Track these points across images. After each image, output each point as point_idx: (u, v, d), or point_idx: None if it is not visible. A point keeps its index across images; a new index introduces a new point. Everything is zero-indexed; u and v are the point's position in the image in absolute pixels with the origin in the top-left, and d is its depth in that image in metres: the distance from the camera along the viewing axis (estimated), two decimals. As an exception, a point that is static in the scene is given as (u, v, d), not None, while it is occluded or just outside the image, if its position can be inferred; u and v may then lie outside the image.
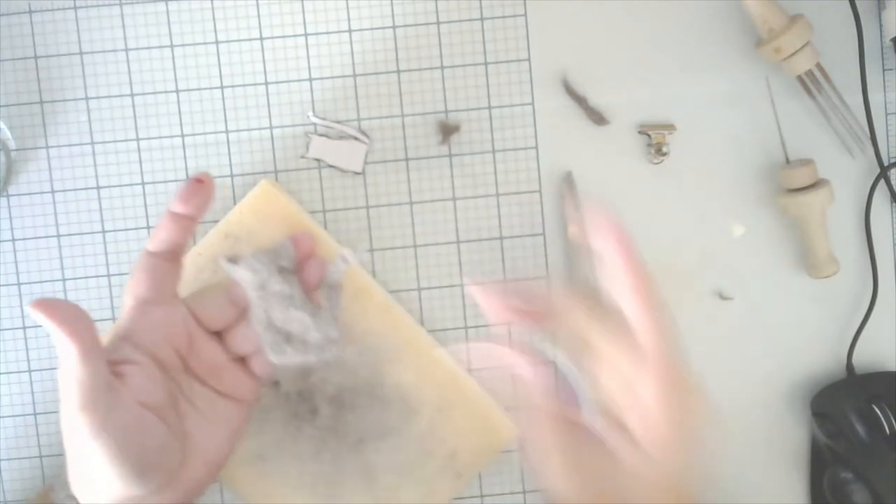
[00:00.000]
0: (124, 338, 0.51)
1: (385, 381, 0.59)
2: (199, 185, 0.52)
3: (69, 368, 0.46)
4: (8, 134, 0.60)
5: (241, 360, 0.55)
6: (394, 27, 0.60)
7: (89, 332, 0.46)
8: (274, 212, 0.58)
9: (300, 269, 0.55)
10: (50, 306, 0.46)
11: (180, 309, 0.53)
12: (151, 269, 0.52)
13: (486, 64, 0.60)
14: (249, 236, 0.58)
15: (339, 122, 0.60)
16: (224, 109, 0.60)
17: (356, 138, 0.60)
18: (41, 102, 0.60)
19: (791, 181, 0.59)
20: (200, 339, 0.53)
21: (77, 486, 0.51)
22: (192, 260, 0.58)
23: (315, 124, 0.60)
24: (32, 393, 0.60)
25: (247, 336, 0.54)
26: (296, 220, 0.58)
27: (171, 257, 0.53)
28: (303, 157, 0.60)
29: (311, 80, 0.60)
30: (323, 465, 0.59)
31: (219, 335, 0.54)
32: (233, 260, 0.54)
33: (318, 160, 0.60)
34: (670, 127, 0.60)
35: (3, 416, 0.60)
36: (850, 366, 0.61)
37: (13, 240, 0.60)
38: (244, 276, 0.53)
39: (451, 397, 0.59)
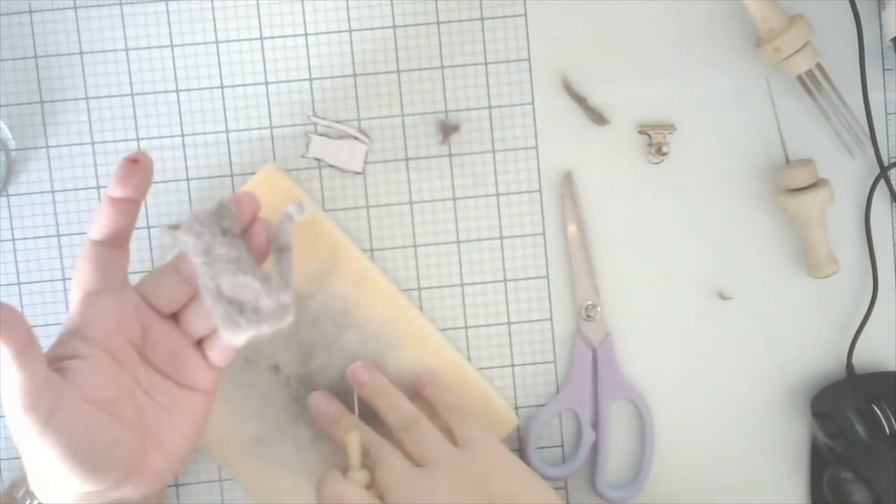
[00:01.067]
0: (73, 331, 0.50)
1: (386, 367, 0.59)
2: (135, 166, 0.49)
3: (7, 371, 0.45)
4: (8, 134, 0.60)
5: (199, 347, 0.53)
6: (394, 27, 0.60)
7: (22, 333, 0.45)
8: (277, 196, 0.57)
9: (245, 233, 0.53)
10: None
11: (131, 296, 0.51)
12: (96, 258, 0.50)
13: (486, 64, 0.60)
14: None
15: (339, 121, 0.60)
16: (224, 109, 0.60)
17: (356, 138, 0.60)
18: (41, 102, 0.60)
19: (791, 181, 0.59)
20: (155, 326, 0.52)
21: (35, 484, 0.50)
22: None
23: (315, 124, 0.60)
24: (32, 393, 0.60)
25: (201, 314, 0.52)
26: None
27: (116, 244, 0.51)
28: (303, 156, 0.60)
29: (311, 79, 0.60)
30: (322, 450, 0.59)
31: (174, 319, 0.53)
32: (174, 227, 0.51)
33: (318, 160, 0.60)
34: (670, 127, 0.60)
35: (3, 416, 0.60)
36: (850, 366, 0.61)
37: (13, 240, 0.60)
38: (187, 240, 0.50)
39: (451, 384, 0.59)
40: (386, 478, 0.55)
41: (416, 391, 0.59)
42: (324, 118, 0.60)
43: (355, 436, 0.55)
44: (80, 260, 0.50)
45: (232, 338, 0.51)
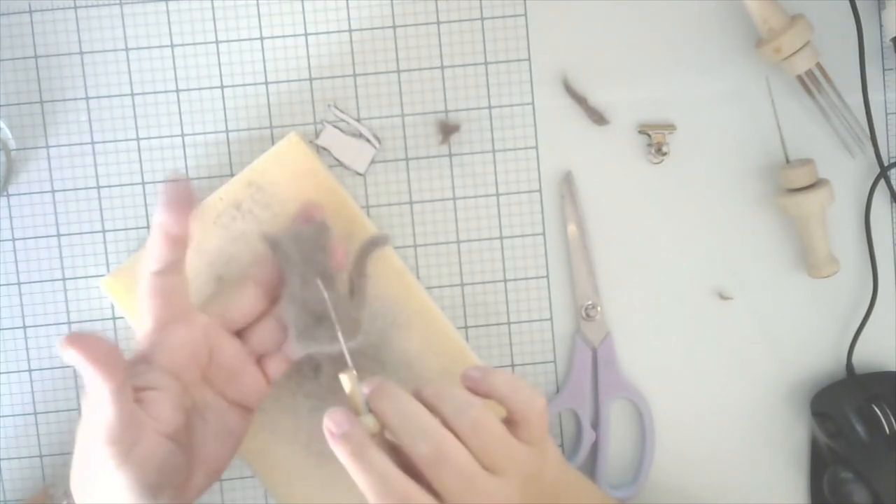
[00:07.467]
0: (148, 361, 0.51)
1: (392, 346, 0.59)
2: (175, 186, 0.51)
3: (98, 404, 0.46)
4: (8, 134, 0.60)
5: (258, 362, 0.55)
6: (394, 27, 0.60)
7: (122, 370, 0.46)
8: (299, 165, 0.58)
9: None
10: (83, 344, 0.45)
11: (200, 320, 0.53)
12: (161, 289, 0.52)
13: (486, 64, 0.60)
14: (272, 186, 0.58)
15: (358, 119, 0.60)
16: (224, 109, 0.60)
17: (368, 140, 0.60)
18: (41, 102, 0.60)
19: (791, 181, 0.59)
20: (222, 344, 0.53)
21: (79, 496, 0.51)
22: (213, 205, 0.58)
23: (335, 117, 0.60)
24: (32, 393, 0.60)
25: (270, 331, 0.54)
26: (319, 177, 0.58)
27: (177, 270, 0.52)
28: (311, 142, 0.60)
29: (311, 79, 0.60)
30: (319, 423, 0.58)
31: (238, 334, 0.55)
32: (275, 238, 0.54)
33: (325, 149, 0.60)
34: (670, 127, 0.60)
35: (3, 416, 0.60)
36: (850, 366, 0.61)
37: (13, 239, 0.60)
38: (289, 251, 0.53)
39: (454, 370, 0.58)
40: (447, 477, 0.46)
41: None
42: (343, 111, 0.60)
43: (352, 374, 0.49)
44: (145, 297, 0.52)
45: (300, 350, 0.54)
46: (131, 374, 0.50)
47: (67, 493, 0.52)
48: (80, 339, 0.45)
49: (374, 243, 0.55)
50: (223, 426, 0.53)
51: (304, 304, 0.53)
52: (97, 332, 0.46)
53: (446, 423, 0.47)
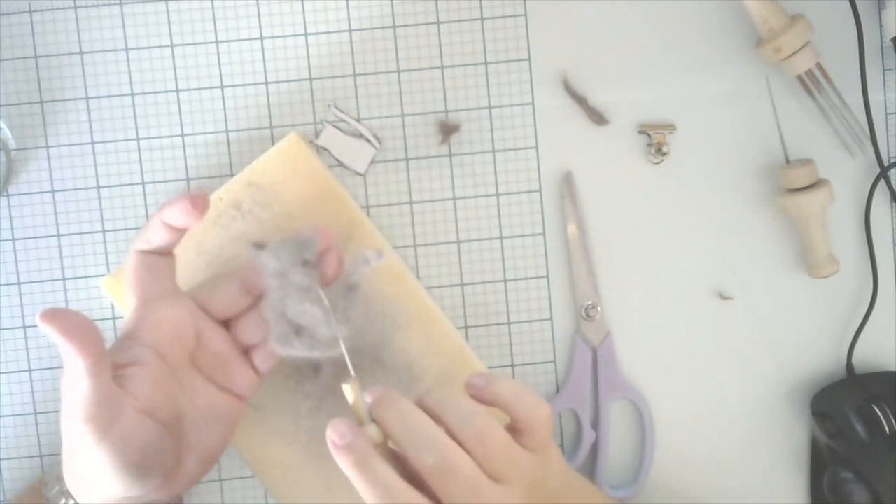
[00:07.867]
0: (132, 337, 0.51)
1: (391, 346, 0.59)
2: (195, 208, 0.51)
3: (75, 380, 0.46)
4: (8, 134, 0.60)
5: (246, 354, 0.55)
6: (394, 27, 0.60)
7: (98, 345, 0.46)
8: (299, 165, 0.58)
9: (318, 259, 0.54)
10: (58, 318, 0.45)
11: (186, 302, 0.53)
12: (149, 265, 0.52)
13: (486, 64, 0.60)
14: (272, 186, 0.58)
15: (358, 119, 0.60)
16: (224, 109, 0.60)
17: (368, 140, 0.60)
18: (41, 102, 0.60)
19: (791, 181, 0.59)
20: (208, 330, 0.53)
21: (73, 483, 0.51)
22: (213, 204, 0.58)
23: (335, 117, 0.60)
24: (32, 392, 0.60)
25: (256, 324, 0.54)
26: (319, 177, 0.58)
27: (166, 252, 0.53)
28: (311, 142, 0.60)
29: (311, 79, 0.60)
30: (319, 423, 0.59)
31: (226, 324, 0.55)
32: (259, 246, 0.54)
33: (325, 149, 0.60)
34: (670, 127, 0.60)
35: (3, 416, 0.60)
36: (850, 366, 0.61)
37: (13, 239, 0.60)
38: (267, 262, 0.53)
39: (454, 370, 0.59)
40: (453, 487, 0.46)
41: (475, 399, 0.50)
42: (343, 111, 0.60)
43: (355, 385, 0.49)
44: (132, 270, 0.52)
45: (281, 352, 0.54)
46: (115, 350, 0.50)
47: (60, 479, 0.52)
48: (54, 314, 0.45)
49: (366, 260, 0.55)
50: (213, 412, 0.53)
51: (282, 313, 0.53)
52: (74, 310, 0.46)
53: (450, 432, 0.47)
